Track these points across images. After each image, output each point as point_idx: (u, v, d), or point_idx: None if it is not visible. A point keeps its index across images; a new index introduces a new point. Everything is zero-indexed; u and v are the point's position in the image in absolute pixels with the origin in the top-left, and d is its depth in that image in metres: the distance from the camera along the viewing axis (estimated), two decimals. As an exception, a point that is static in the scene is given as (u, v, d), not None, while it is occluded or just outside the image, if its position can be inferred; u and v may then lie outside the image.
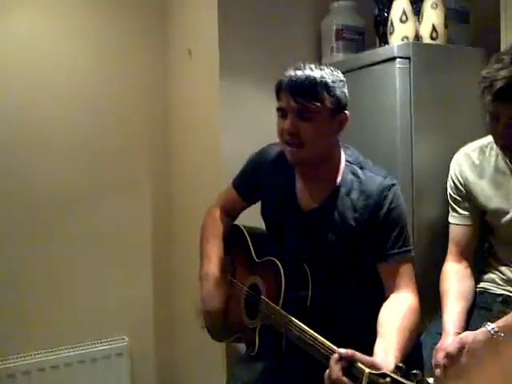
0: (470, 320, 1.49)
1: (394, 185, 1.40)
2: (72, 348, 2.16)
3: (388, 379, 1.00)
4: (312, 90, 1.33)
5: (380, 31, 1.93)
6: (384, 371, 1.02)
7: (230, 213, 1.71)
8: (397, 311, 1.32)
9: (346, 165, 1.45)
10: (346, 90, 1.39)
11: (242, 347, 1.60)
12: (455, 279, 1.54)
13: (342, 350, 1.09)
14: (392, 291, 1.37)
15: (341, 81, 1.38)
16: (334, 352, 1.13)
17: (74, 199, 2.20)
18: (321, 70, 1.36)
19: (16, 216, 2.10)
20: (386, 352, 1.19)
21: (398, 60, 1.68)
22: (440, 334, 1.42)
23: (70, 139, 2.19)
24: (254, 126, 1.99)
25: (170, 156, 2.39)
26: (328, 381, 1.10)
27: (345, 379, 1.07)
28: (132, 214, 2.33)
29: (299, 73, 1.35)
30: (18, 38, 2.11)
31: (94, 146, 2.24)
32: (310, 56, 2.10)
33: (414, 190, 1.69)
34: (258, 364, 1.51)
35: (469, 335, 1.36)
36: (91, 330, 2.22)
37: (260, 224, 1.64)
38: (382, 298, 1.38)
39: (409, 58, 1.69)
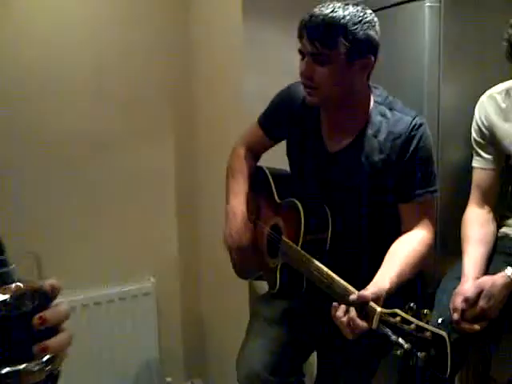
0: (490, 265, 1.48)
1: (422, 124, 1.37)
2: (101, 288, 2.23)
3: (398, 318, 1.03)
4: (327, 34, 1.27)
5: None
6: (395, 310, 1.05)
7: (254, 151, 1.70)
8: (406, 242, 1.35)
9: (374, 106, 1.41)
10: (372, 32, 1.30)
11: (264, 286, 1.64)
12: (477, 224, 1.53)
13: (354, 296, 1.14)
14: (409, 230, 1.38)
15: (366, 22, 1.28)
16: (349, 292, 1.16)
17: (102, 143, 2.22)
18: (344, 10, 1.27)
19: (47, 160, 2.14)
20: (383, 274, 1.22)
21: (427, -1, 1.61)
22: (459, 279, 1.43)
23: (97, 88, 2.20)
24: (278, 67, 1.95)
25: (194, 99, 2.37)
26: (340, 324, 1.15)
27: (357, 319, 1.12)
28: (157, 157, 2.34)
29: (318, 13, 1.28)
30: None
31: (121, 94, 2.24)
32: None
33: (439, 133, 1.65)
34: (279, 302, 1.55)
35: (487, 279, 1.36)
36: (120, 270, 2.28)
37: (284, 166, 1.64)
38: None
39: (439, -3, 1.62)
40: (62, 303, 0.63)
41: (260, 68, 1.97)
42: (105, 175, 2.25)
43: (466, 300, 1.34)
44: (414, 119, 1.37)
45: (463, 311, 1.34)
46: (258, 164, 1.72)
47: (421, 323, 1.01)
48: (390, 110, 1.40)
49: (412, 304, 1.04)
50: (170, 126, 2.37)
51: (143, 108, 2.29)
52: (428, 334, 1.00)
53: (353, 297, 1.14)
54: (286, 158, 1.62)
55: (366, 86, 1.42)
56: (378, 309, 1.09)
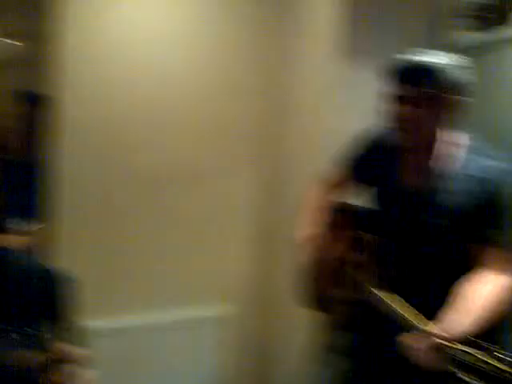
0: None
1: (503, 169, 1.35)
2: (170, 311, 2.28)
3: (473, 358, 0.99)
4: (429, 78, 1.32)
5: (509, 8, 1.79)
6: (470, 349, 1.02)
7: (335, 191, 1.73)
8: (476, 285, 1.29)
9: (460, 149, 1.41)
10: (466, 77, 1.35)
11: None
12: None
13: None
14: (481, 272, 1.33)
15: (458, 66, 1.35)
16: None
17: (187, 175, 2.32)
18: (439, 56, 1.35)
19: (131, 189, 2.25)
20: (451, 319, 1.17)
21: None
22: None
23: (184, 119, 2.30)
24: (367, 104, 1.95)
25: (282, 137, 2.42)
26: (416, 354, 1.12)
27: (429, 353, 1.09)
28: (238, 190, 2.42)
29: (414, 58, 1.35)
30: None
31: (211, 130, 2.35)
32: (428, 36, 2.02)
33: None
34: (350, 334, 1.54)
35: None
36: (189, 294, 2.34)
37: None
38: None
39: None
40: (86, 373, 0.63)
41: (350, 108, 2.00)
42: (185, 199, 2.33)
43: None
44: (503, 165, 1.36)
45: None
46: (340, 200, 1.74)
47: (498, 363, 0.96)
48: (479, 154, 1.40)
49: (488, 344, 1.00)
50: (256, 161, 2.44)
51: (230, 143, 2.39)
52: (506, 374, 0.94)
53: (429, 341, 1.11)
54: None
55: (448, 128, 1.42)
56: (452, 345, 1.06)
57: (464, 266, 1.37)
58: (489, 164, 1.36)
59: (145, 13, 2.23)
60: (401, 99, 1.37)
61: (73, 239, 2.10)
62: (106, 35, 2.16)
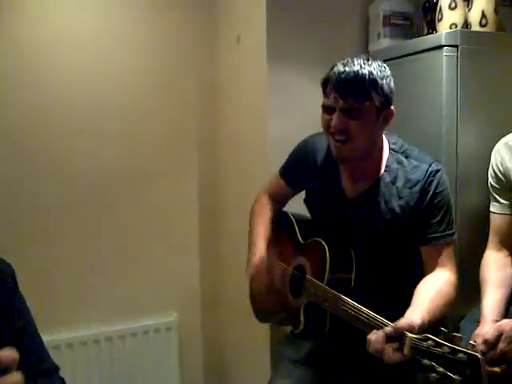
0: (509, 308, 1.51)
1: (438, 170, 1.43)
2: (124, 321, 2.28)
3: (430, 342, 1.04)
4: (361, 89, 1.33)
5: (428, 18, 1.92)
6: (426, 334, 1.06)
7: (277, 200, 1.76)
8: (431, 283, 1.37)
9: (390, 153, 1.47)
10: (392, 85, 1.39)
11: (285, 329, 1.68)
12: (495, 267, 1.57)
13: (389, 329, 1.15)
14: (431, 272, 1.41)
15: (388, 76, 1.38)
16: (379, 323, 1.19)
17: (126, 181, 2.31)
18: (369, 65, 1.35)
19: (70, 198, 2.22)
20: (414, 311, 1.23)
21: (445, 48, 1.66)
22: (478, 322, 1.45)
23: (119, 124, 2.29)
24: (301, 111, 2.02)
25: (217, 141, 2.46)
26: (373, 350, 1.16)
27: (388, 347, 1.13)
28: (182, 196, 2.42)
29: (348, 69, 1.34)
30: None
31: (146, 134, 2.33)
32: (357, 41, 2.11)
33: (457, 181, 1.69)
34: (303, 343, 1.57)
35: (508, 322, 1.38)
36: (143, 304, 2.34)
37: (304, 211, 1.69)
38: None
39: (456, 46, 1.67)
40: (11, 376, 0.62)
41: (285, 113, 2.04)
42: (130, 211, 2.33)
43: (486, 342, 1.36)
44: (430, 166, 1.43)
45: (483, 353, 1.34)
46: (283, 210, 1.79)
47: (453, 345, 1.02)
48: (407, 157, 1.46)
49: (443, 328, 1.05)
50: (195, 166, 2.45)
51: (168, 147, 2.38)
52: (461, 355, 1.00)
53: (388, 329, 1.16)
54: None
55: (382, 136, 1.49)
56: (409, 334, 1.10)
57: (415, 266, 1.45)
58: (423, 167, 1.42)
59: (75, 14, 2.19)
60: (329, 109, 1.38)
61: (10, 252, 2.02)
62: (33, 38, 2.12)
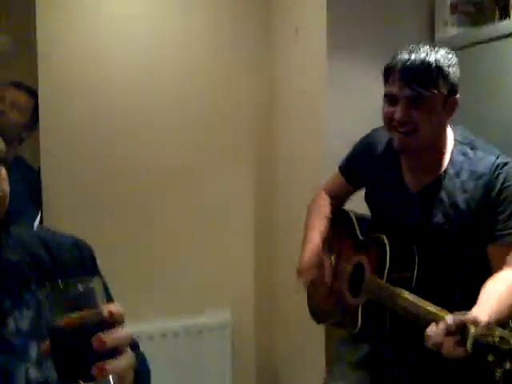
0: None
1: (506, 163, 1.34)
2: (178, 318, 2.25)
3: (496, 337, 0.97)
4: (428, 76, 1.28)
5: (501, 3, 1.81)
6: (492, 329, 0.99)
7: (336, 197, 1.71)
8: (500, 282, 1.27)
9: (455, 145, 1.40)
10: (458, 74, 1.34)
11: (342, 331, 1.62)
12: None
13: (451, 320, 1.07)
14: (500, 271, 1.31)
15: (455, 64, 1.32)
16: (441, 317, 1.12)
17: (180, 173, 2.29)
18: (436, 52, 1.30)
19: (128, 191, 2.22)
20: (481, 310, 1.14)
21: (521, 36, 1.57)
22: None
23: (178, 115, 2.28)
24: (360, 105, 1.96)
25: (274, 135, 2.41)
26: (433, 343, 1.09)
27: (450, 340, 1.05)
28: (237, 190, 2.38)
29: (413, 57, 1.29)
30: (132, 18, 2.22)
31: (200, 123, 2.31)
32: (423, 32, 2.03)
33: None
34: (362, 345, 1.51)
35: None
36: (196, 302, 2.31)
37: (364, 211, 1.63)
38: None
39: (532, 33, 1.57)
40: (124, 327, 0.64)
41: (344, 109, 1.99)
42: (187, 209, 2.31)
43: None
44: (497, 158, 1.34)
45: None
46: (343, 208, 1.73)
47: None
48: (472, 149, 1.38)
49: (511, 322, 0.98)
50: (250, 161, 2.41)
51: (225, 144, 2.35)
52: None
53: (450, 318, 1.08)
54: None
55: (446, 127, 1.41)
56: (473, 329, 1.03)
57: (482, 266, 1.36)
58: (489, 159, 1.34)
59: (130, 8, 2.21)
60: (396, 99, 1.32)
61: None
62: (86, 33, 2.15)
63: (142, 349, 2.20)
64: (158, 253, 2.27)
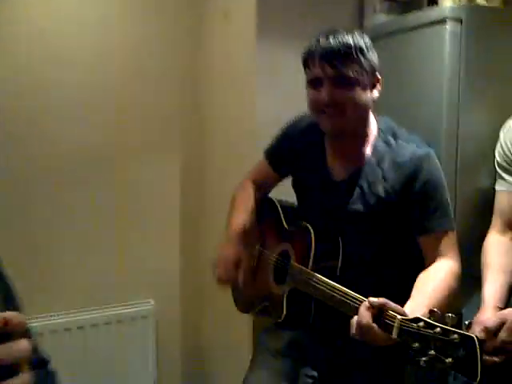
0: (512, 297, 1.42)
1: (428, 153, 1.33)
2: (98, 309, 2.15)
3: (421, 323, 0.96)
4: (349, 54, 1.26)
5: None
6: (417, 315, 0.98)
7: (262, 186, 1.66)
8: (433, 274, 1.28)
9: (378, 134, 1.39)
10: (376, 57, 1.33)
11: (268, 320, 1.55)
12: (498, 252, 1.47)
13: (373, 299, 1.07)
14: (432, 262, 1.31)
15: (371, 47, 1.32)
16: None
17: (103, 158, 2.16)
18: (352, 34, 1.29)
19: (41, 178, 2.07)
20: (413, 309, 1.13)
21: (448, 22, 1.57)
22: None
23: (101, 99, 2.14)
24: (291, 89, 1.88)
25: (203, 119, 2.33)
26: (357, 327, 1.07)
27: (374, 326, 1.05)
28: (163, 178, 2.28)
29: (332, 38, 1.27)
30: None
31: (123, 106, 2.19)
32: (352, 18, 2.01)
33: (458, 162, 1.60)
34: (285, 333, 1.48)
35: (511, 312, 1.29)
36: (117, 292, 2.21)
37: (292, 199, 1.59)
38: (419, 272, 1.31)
39: (460, 21, 1.57)
40: (22, 340, 0.54)
41: (274, 91, 1.94)
42: (107, 195, 2.18)
43: (486, 330, 1.27)
44: (418, 148, 1.33)
45: (481, 341, 1.24)
46: (268, 196, 1.68)
47: (446, 326, 0.93)
48: (394, 138, 1.37)
49: (436, 309, 0.97)
50: (178, 148, 2.31)
51: (152, 128, 2.24)
52: (455, 336, 0.91)
53: (373, 299, 1.07)
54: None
55: (370, 113, 1.40)
56: (399, 316, 1.02)
57: (408, 258, 1.36)
58: (410, 149, 1.32)
59: None
60: (320, 81, 1.30)
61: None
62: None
63: (60, 341, 2.08)
64: (78, 240, 2.14)
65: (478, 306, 1.40)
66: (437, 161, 1.35)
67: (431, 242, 1.32)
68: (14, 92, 1.99)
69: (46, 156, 2.05)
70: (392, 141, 1.35)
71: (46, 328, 2.02)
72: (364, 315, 1.06)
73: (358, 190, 1.35)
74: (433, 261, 1.31)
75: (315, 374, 1.43)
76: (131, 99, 2.19)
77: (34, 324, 1.98)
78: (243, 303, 1.64)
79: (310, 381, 1.42)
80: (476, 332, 1.27)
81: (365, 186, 1.35)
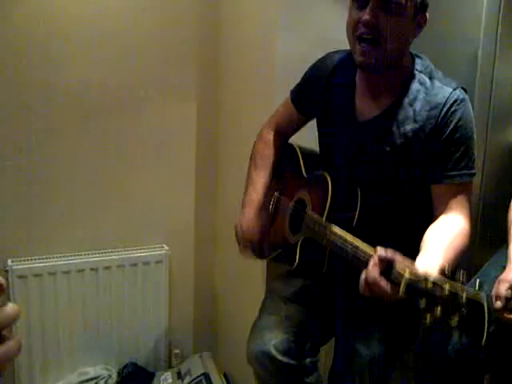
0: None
1: (464, 99, 1.25)
2: (112, 252, 2.15)
3: (430, 281, 0.92)
4: None
5: None
6: (425, 274, 0.93)
7: (285, 129, 1.60)
8: (444, 230, 1.22)
9: (413, 72, 1.30)
10: None
11: (282, 267, 1.55)
12: None
13: (382, 253, 1.03)
14: (443, 214, 1.25)
15: None
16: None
17: (120, 100, 2.10)
18: None
19: (59, 114, 2.02)
20: (428, 264, 1.08)
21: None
22: (504, 267, 1.31)
23: (119, 42, 2.06)
24: (315, 29, 1.79)
25: (221, 64, 2.24)
26: (364, 282, 1.04)
27: (382, 281, 1.01)
28: (177, 121, 2.21)
29: None
30: None
31: (144, 49, 2.11)
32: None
33: (490, 113, 1.52)
34: (296, 279, 1.47)
35: None
36: (132, 235, 2.20)
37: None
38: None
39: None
40: (8, 304, 0.51)
41: (296, 30, 1.80)
42: (123, 139, 2.13)
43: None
44: (454, 91, 1.25)
45: (507, 300, 1.22)
46: (289, 141, 1.63)
47: (455, 286, 0.89)
48: (430, 78, 1.28)
49: (446, 266, 0.93)
50: (194, 87, 2.22)
51: (167, 64, 2.15)
52: (464, 295, 0.88)
53: (382, 253, 1.03)
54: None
55: (409, 51, 1.31)
56: (407, 273, 0.97)
57: (426, 212, 1.30)
58: (446, 91, 1.24)
59: None
60: (365, 3, 1.20)
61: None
62: None
63: (73, 282, 2.12)
64: (95, 183, 2.12)
65: (503, 264, 1.35)
66: (471, 109, 1.27)
67: (447, 192, 1.25)
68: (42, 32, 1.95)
69: (66, 93, 2.00)
70: (427, 81, 1.27)
71: (59, 269, 2.03)
72: (372, 270, 1.03)
73: (385, 130, 1.29)
74: (443, 213, 1.25)
75: (324, 322, 1.42)
76: (148, 38, 2.11)
77: (48, 264, 2.02)
78: (257, 254, 1.61)
79: (319, 328, 1.42)
80: (502, 290, 1.23)
81: (393, 125, 1.28)
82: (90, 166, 2.10)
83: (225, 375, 2.17)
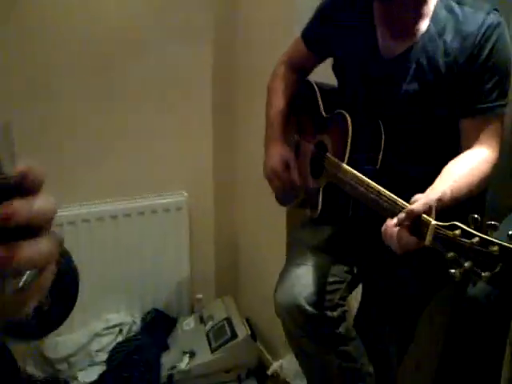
0: None
1: (499, 23, 1.15)
2: (131, 199, 2.14)
3: (457, 231, 0.85)
4: None
5: None
6: (454, 222, 0.87)
7: (298, 69, 1.52)
8: (464, 159, 1.15)
9: (439, 0, 1.20)
10: None
11: (303, 214, 1.51)
12: None
13: (411, 206, 0.97)
14: (470, 148, 1.18)
15: None
16: (399, 206, 1.01)
17: (135, 44, 2.04)
18: None
19: (76, 61, 1.98)
20: (435, 187, 1.04)
21: None
22: None
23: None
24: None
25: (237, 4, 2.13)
26: (388, 233, 1.01)
27: (405, 232, 0.97)
28: (193, 63, 2.14)
29: None
30: None
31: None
32: None
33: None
34: (323, 228, 1.41)
35: None
36: (151, 182, 2.18)
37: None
38: None
39: None
40: (46, 197, 0.44)
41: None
42: (140, 83, 2.08)
43: None
44: (487, 16, 1.15)
45: None
46: (307, 79, 1.54)
47: (486, 236, 0.82)
48: (459, 4, 1.19)
49: (476, 215, 0.84)
50: (209, 31, 2.14)
51: (181, 8, 2.07)
52: (495, 248, 0.80)
53: (401, 215, 0.98)
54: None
55: None
56: (433, 221, 0.92)
57: (454, 143, 1.22)
58: (478, 17, 1.15)
59: None
60: None
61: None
62: None
63: (92, 230, 2.12)
64: (115, 130, 2.08)
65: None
66: (507, 32, 1.17)
67: (476, 126, 1.18)
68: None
69: (73, 34, 1.94)
70: (457, 8, 1.18)
71: (78, 217, 2.03)
72: (393, 224, 0.98)
73: (413, 67, 1.21)
74: (470, 147, 1.18)
75: (352, 270, 1.39)
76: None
77: (67, 213, 2.01)
78: (282, 197, 1.57)
79: (350, 276, 1.37)
80: None
81: (423, 61, 1.20)
82: (106, 113, 2.06)
83: (247, 320, 2.18)
